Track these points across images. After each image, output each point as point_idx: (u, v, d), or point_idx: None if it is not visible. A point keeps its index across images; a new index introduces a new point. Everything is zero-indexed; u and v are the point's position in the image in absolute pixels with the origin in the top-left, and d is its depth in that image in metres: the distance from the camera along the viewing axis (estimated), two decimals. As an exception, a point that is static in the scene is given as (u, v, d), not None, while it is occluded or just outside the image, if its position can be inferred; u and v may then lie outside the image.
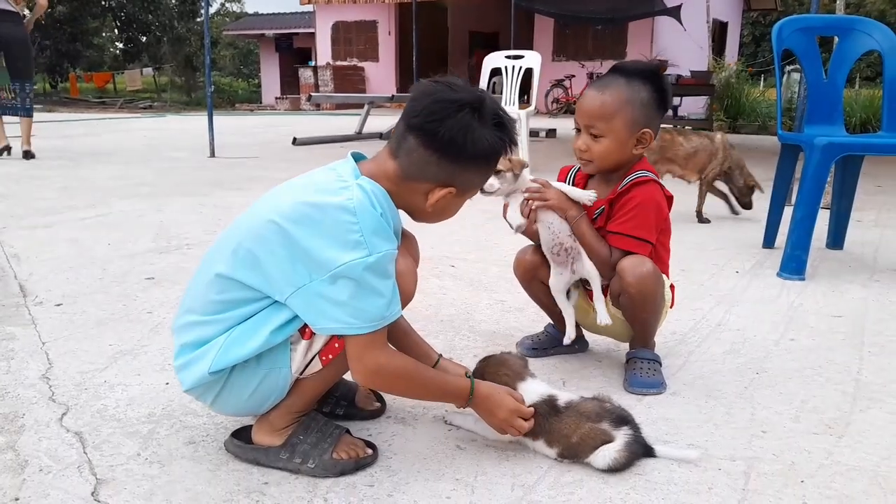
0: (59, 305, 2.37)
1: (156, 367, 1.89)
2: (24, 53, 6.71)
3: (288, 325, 1.33)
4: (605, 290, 1.82)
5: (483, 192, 1.63)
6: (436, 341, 2.10)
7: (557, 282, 1.84)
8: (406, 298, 1.38)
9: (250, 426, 1.47)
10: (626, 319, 1.83)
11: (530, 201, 1.75)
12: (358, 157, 1.43)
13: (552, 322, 2.04)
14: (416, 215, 1.47)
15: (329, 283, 1.25)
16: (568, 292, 1.89)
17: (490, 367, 1.52)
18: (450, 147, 1.33)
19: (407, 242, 1.54)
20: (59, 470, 1.38)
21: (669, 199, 1.78)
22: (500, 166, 1.64)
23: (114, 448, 1.47)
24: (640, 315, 1.79)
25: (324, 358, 1.37)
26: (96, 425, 1.56)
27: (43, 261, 2.94)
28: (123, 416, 1.61)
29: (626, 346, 1.91)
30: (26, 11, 6.83)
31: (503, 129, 1.38)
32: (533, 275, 1.94)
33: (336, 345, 1.35)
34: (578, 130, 1.77)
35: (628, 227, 1.71)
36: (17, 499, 1.29)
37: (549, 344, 2.01)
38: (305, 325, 1.33)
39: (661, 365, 1.83)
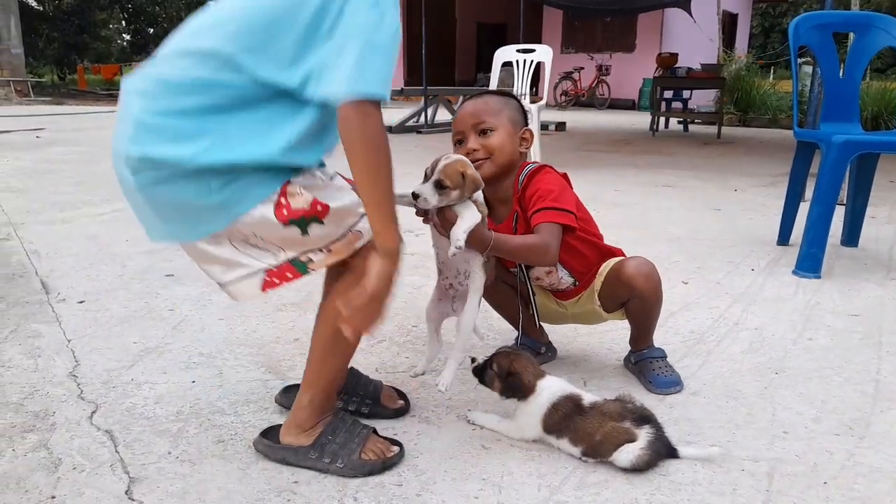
0: (81, 302, 2.39)
1: (181, 365, 1.91)
2: None
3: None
4: (575, 291, 1.86)
5: (414, 199, 1.48)
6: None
7: (432, 308, 1.77)
8: None
9: (278, 426, 1.49)
10: (633, 321, 1.85)
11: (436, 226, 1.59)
12: None
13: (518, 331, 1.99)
14: None
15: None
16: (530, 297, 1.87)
17: (521, 362, 1.53)
18: None
19: None
20: (93, 468, 1.41)
21: (565, 176, 1.78)
22: (447, 181, 1.47)
23: (145, 447, 1.49)
24: (652, 313, 1.82)
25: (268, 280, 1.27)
26: (126, 424, 1.59)
27: (63, 257, 2.97)
28: (152, 415, 1.63)
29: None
30: None
31: None
32: (492, 280, 1.78)
33: (289, 274, 1.28)
34: (459, 142, 1.74)
35: (548, 202, 1.66)
36: (53, 497, 1.31)
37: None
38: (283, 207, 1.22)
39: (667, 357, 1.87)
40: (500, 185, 1.76)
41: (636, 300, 1.76)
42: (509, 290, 1.91)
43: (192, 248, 1.31)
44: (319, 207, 1.25)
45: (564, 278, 1.84)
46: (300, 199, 1.24)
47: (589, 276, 1.83)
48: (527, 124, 1.79)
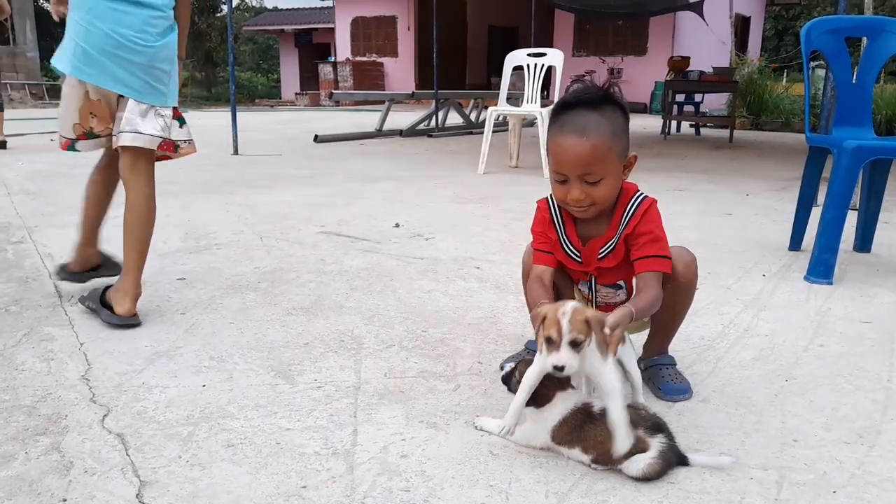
0: (94, 306, 2.41)
1: (191, 369, 1.92)
2: None
3: None
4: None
5: (555, 370, 1.40)
6: (464, 345, 2.13)
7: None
8: None
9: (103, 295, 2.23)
10: (657, 316, 1.81)
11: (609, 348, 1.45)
12: None
13: (534, 339, 1.99)
14: None
15: None
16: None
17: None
18: None
19: None
20: (104, 472, 1.42)
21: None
22: (577, 333, 1.37)
23: (155, 450, 1.50)
24: (679, 308, 1.80)
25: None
26: (137, 427, 1.60)
27: (76, 260, 2.99)
28: (163, 418, 1.65)
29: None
30: None
31: None
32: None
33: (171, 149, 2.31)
34: (561, 182, 1.63)
35: (659, 249, 1.66)
36: (64, 500, 1.33)
37: None
38: None
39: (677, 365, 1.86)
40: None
41: (669, 287, 1.70)
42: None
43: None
44: (182, 116, 2.34)
45: (622, 294, 1.82)
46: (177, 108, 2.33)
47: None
48: (628, 144, 1.64)
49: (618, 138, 1.60)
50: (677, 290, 1.73)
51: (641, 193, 1.71)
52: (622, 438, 1.38)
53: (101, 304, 2.23)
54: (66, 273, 2.55)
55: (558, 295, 1.86)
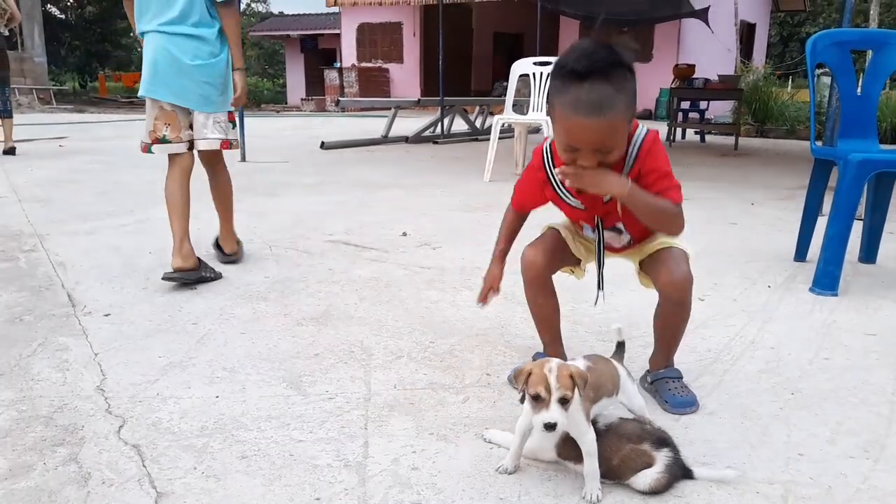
0: (107, 316, 2.45)
1: (205, 379, 1.95)
2: (2, 62, 7.40)
3: None
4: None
5: (552, 429, 1.35)
6: (472, 356, 2.15)
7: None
8: None
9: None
10: (655, 328, 1.87)
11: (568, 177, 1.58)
12: None
13: (542, 352, 2.01)
14: None
15: None
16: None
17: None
18: None
19: None
20: (121, 483, 1.45)
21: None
22: (565, 390, 1.35)
23: (171, 461, 1.53)
24: (678, 322, 1.83)
25: None
26: (152, 438, 1.63)
27: (88, 269, 3.03)
28: (178, 430, 1.67)
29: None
30: (2, 29, 7.48)
31: None
32: (545, 278, 1.89)
33: (228, 146, 3.03)
34: (570, 150, 1.59)
35: (668, 182, 1.66)
36: (83, 510, 1.36)
37: None
38: None
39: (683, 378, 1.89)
40: None
41: (664, 303, 1.77)
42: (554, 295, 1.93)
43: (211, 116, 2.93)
44: (234, 120, 3.02)
45: (625, 238, 1.86)
46: (233, 112, 3.00)
47: (643, 237, 1.85)
48: (636, 103, 1.59)
49: (630, 107, 1.57)
50: (672, 306, 1.77)
51: (642, 130, 1.68)
52: (592, 489, 1.41)
53: (214, 247, 3.25)
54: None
55: (564, 256, 1.91)
